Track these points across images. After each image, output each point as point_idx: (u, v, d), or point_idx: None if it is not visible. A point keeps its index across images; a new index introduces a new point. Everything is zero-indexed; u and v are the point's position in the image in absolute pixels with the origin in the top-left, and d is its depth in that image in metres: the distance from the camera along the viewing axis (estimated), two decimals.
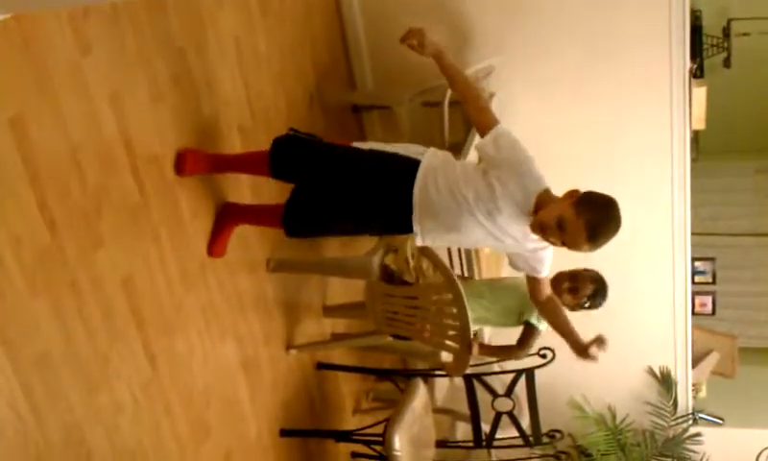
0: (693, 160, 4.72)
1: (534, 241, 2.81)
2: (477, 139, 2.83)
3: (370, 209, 2.92)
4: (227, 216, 3.25)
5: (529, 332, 3.67)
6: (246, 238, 3.47)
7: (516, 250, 2.92)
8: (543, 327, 3.60)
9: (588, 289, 3.54)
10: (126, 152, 2.70)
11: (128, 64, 2.75)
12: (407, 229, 2.88)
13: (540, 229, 2.67)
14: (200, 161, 3.07)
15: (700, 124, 4.70)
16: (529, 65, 4.56)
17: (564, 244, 2.64)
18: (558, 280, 3.58)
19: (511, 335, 3.84)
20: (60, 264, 2.39)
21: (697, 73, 5.29)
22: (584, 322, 4.15)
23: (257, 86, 3.66)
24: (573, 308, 3.57)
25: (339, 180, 2.93)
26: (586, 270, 3.60)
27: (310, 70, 4.25)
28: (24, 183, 2.27)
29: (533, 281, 3.07)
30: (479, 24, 4.52)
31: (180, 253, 3.01)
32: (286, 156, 2.97)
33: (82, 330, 2.46)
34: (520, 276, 3.58)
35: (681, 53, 4.34)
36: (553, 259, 3.02)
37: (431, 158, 2.86)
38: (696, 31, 6.67)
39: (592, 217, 2.59)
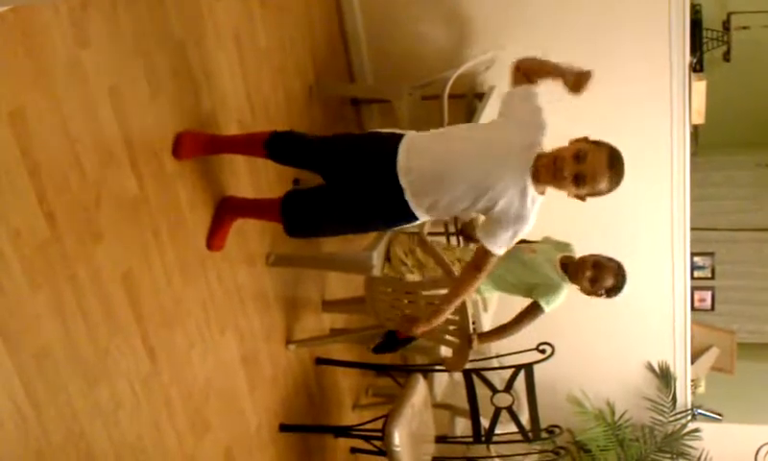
0: (692, 155, 4.70)
1: (523, 201, 2.66)
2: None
3: (364, 209, 2.88)
4: (226, 210, 3.23)
5: (532, 310, 3.57)
6: (245, 232, 3.46)
7: (496, 208, 2.70)
8: (549, 308, 3.56)
9: (608, 281, 3.49)
10: (125, 145, 2.69)
11: (127, 57, 2.74)
12: (410, 218, 2.83)
13: (554, 163, 2.58)
14: (198, 143, 3.05)
15: (699, 118, 4.68)
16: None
17: (575, 181, 2.55)
18: (581, 266, 3.53)
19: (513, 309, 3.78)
20: (60, 258, 2.38)
21: (697, 67, 5.28)
22: (584, 315, 4.19)
23: (256, 80, 3.65)
24: (589, 294, 3.54)
25: (331, 176, 2.93)
26: (610, 260, 3.54)
27: (309, 63, 4.24)
28: (23, 177, 2.26)
29: (480, 250, 2.82)
30: (479, 16, 4.51)
31: (180, 246, 3.00)
32: (283, 147, 2.99)
33: (81, 324, 2.46)
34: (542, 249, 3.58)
35: (680, 47, 4.33)
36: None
37: (410, 136, 2.81)
38: (696, 24, 6.66)
39: (613, 148, 2.60)
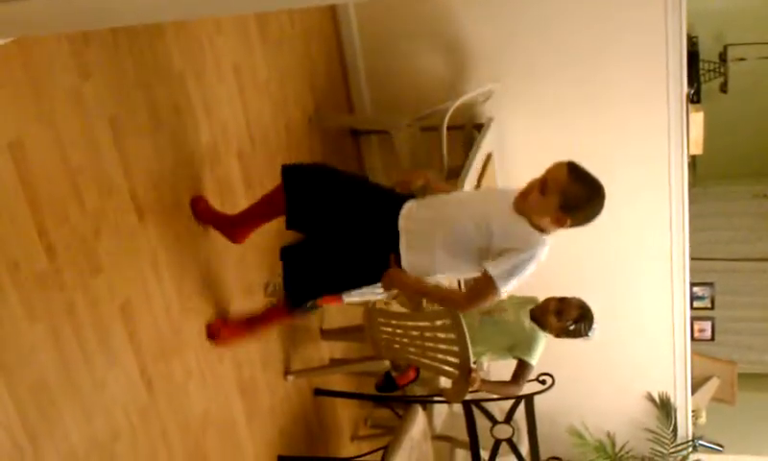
0: (691, 185, 4.72)
1: (512, 231, 2.70)
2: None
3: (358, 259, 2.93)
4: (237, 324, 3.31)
5: (523, 368, 3.64)
6: (244, 261, 3.46)
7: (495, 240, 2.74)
8: (534, 361, 3.61)
9: (573, 313, 3.54)
10: (125, 176, 2.70)
11: (127, 89, 2.75)
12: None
13: (525, 192, 2.69)
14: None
15: (697, 149, 4.71)
16: (527, 90, 4.58)
17: (541, 189, 2.62)
18: (546, 304, 3.58)
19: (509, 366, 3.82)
20: (58, 289, 2.37)
21: (694, 98, 5.32)
22: (584, 346, 4.16)
23: (256, 111, 3.67)
24: (558, 333, 3.56)
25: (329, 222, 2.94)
26: (573, 298, 3.61)
27: (309, 95, 4.26)
28: (22, 208, 2.26)
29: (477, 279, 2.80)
30: (478, 49, 4.55)
31: (178, 278, 2.99)
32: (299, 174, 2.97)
33: (79, 356, 2.45)
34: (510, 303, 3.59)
35: (678, 78, 4.36)
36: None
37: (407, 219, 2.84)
38: (693, 56, 6.71)
39: (571, 162, 2.67)
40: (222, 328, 3.19)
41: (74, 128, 2.48)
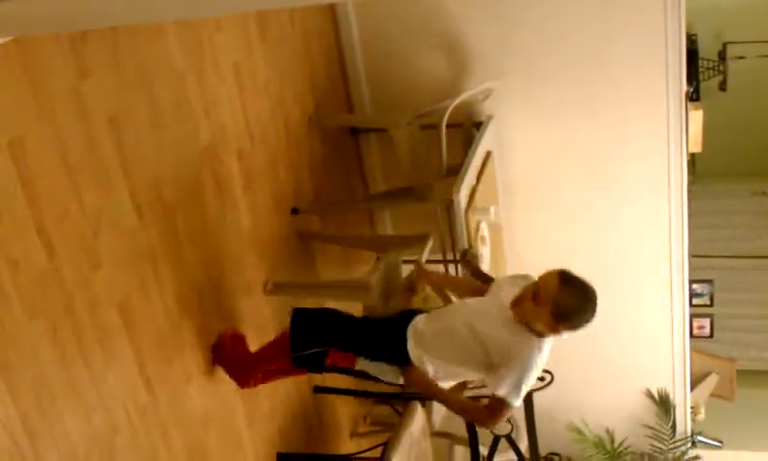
0: (690, 183, 4.72)
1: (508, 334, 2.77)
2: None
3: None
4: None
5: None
6: (243, 260, 3.47)
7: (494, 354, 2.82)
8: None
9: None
10: (124, 175, 2.71)
11: (127, 88, 2.76)
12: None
13: (520, 300, 2.75)
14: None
15: (697, 146, 4.71)
16: (527, 89, 4.58)
17: (534, 300, 2.69)
18: None
19: None
20: (58, 287, 2.38)
21: (693, 96, 5.32)
22: (583, 343, 4.16)
23: (256, 110, 3.67)
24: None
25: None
26: None
27: (308, 93, 4.27)
28: (22, 206, 2.27)
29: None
30: (477, 48, 4.55)
31: (178, 277, 3.00)
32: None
33: (78, 354, 2.46)
34: None
35: (677, 76, 4.36)
36: None
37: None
38: (692, 54, 6.71)
39: (564, 270, 2.74)
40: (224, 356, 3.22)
41: (74, 126, 2.48)
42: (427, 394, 3.11)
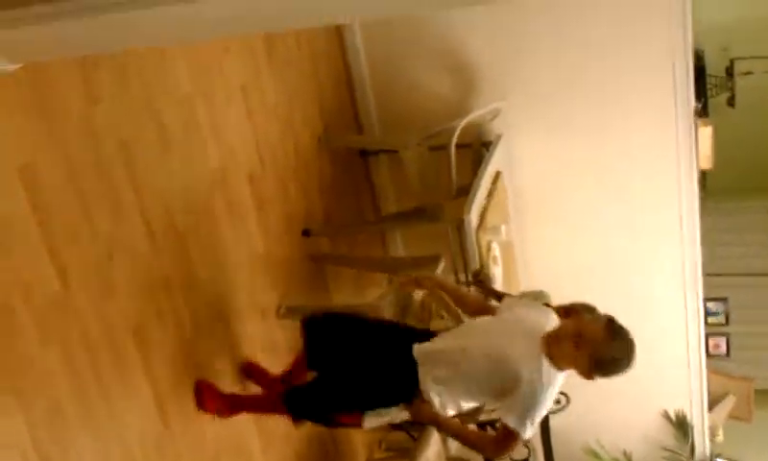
0: (701, 200, 4.69)
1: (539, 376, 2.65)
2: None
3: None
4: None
5: None
6: (255, 284, 3.45)
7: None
8: None
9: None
10: (136, 199, 2.69)
11: (137, 112, 2.76)
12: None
13: (558, 337, 2.65)
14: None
15: (707, 163, 4.69)
16: (535, 109, 4.58)
17: (575, 344, 2.59)
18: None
19: None
20: (72, 313, 2.36)
21: (702, 113, 5.30)
22: None
23: (265, 132, 3.67)
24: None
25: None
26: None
27: (317, 115, 4.27)
28: (34, 231, 2.26)
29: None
30: (485, 68, 4.55)
31: (192, 300, 2.98)
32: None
33: (93, 381, 2.43)
34: None
35: (685, 92, 4.35)
36: None
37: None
38: (699, 71, 6.70)
39: (611, 318, 2.66)
40: (209, 399, 3.04)
41: (84, 152, 2.48)
42: (435, 426, 3.02)
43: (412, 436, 4.15)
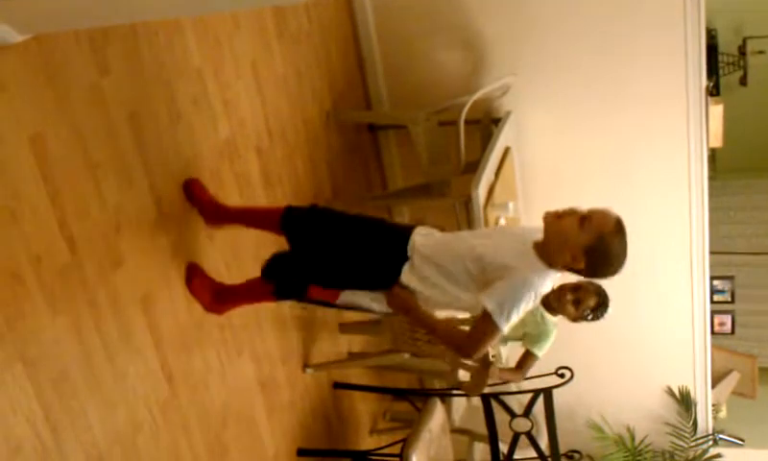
0: (710, 179, 4.69)
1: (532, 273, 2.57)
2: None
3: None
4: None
5: (528, 358, 3.77)
6: (260, 256, 3.47)
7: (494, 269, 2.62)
8: (542, 354, 3.71)
9: (591, 301, 3.52)
10: (144, 171, 2.72)
11: (146, 85, 2.78)
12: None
13: (563, 214, 2.58)
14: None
15: (717, 142, 4.67)
16: (545, 85, 4.57)
17: (581, 223, 2.50)
18: (561, 292, 3.56)
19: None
20: (80, 282, 2.40)
21: (713, 91, 5.28)
22: (603, 340, 4.16)
23: (274, 107, 3.68)
24: (575, 320, 3.57)
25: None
26: (590, 283, 3.56)
27: (326, 90, 4.27)
28: (44, 202, 2.29)
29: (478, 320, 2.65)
30: (495, 44, 4.55)
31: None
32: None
33: (100, 348, 2.47)
34: None
35: (697, 71, 4.34)
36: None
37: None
38: (712, 49, 6.67)
39: (624, 234, 2.56)
40: (195, 279, 2.99)
41: (94, 123, 2.50)
42: (410, 318, 2.83)
43: (416, 407, 4.19)
